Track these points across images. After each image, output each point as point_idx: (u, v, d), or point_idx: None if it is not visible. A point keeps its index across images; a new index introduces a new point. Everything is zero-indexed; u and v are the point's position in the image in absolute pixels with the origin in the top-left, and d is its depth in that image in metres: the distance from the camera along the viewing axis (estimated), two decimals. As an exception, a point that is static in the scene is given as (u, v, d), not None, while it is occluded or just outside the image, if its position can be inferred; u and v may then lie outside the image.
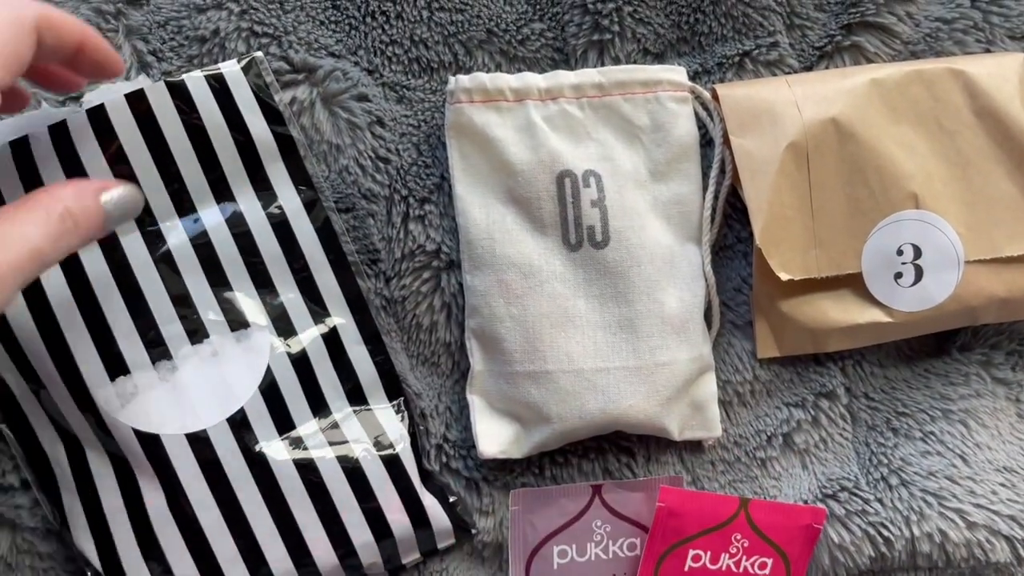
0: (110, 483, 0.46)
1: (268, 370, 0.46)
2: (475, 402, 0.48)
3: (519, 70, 0.49)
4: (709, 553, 0.47)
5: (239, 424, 0.45)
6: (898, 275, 0.48)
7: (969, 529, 0.47)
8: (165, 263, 0.45)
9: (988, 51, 0.50)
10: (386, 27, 0.49)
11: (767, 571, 0.47)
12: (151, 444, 0.44)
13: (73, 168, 0.44)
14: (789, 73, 0.50)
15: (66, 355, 0.44)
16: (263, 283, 0.47)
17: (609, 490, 0.49)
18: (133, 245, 0.45)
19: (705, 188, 0.49)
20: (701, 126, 0.49)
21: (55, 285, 0.44)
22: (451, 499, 0.49)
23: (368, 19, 0.49)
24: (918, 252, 0.47)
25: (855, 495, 0.48)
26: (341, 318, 0.48)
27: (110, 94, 0.45)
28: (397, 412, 0.48)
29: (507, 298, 0.47)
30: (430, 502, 0.48)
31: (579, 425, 0.46)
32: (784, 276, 0.47)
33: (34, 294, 0.44)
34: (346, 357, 0.48)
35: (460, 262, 0.48)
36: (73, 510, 0.46)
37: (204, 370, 0.45)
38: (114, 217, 0.39)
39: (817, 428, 0.50)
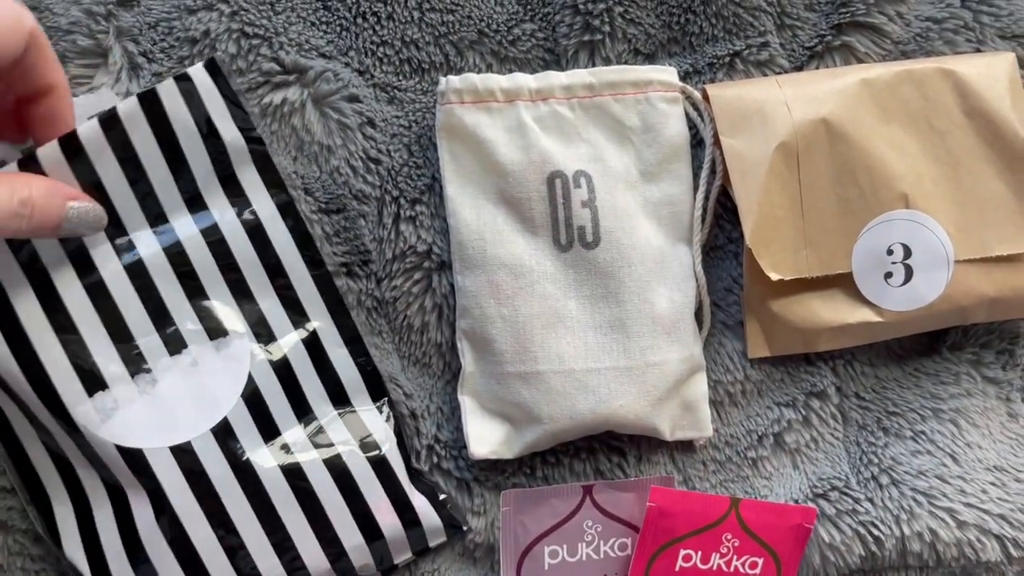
0: (100, 495, 0.45)
1: (250, 378, 0.46)
2: (466, 403, 0.48)
3: (510, 71, 0.49)
4: (700, 553, 0.47)
5: (223, 433, 0.45)
6: (888, 275, 0.48)
7: (959, 528, 0.47)
8: (139, 274, 0.45)
9: (978, 51, 0.50)
10: (377, 28, 0.49)
11: (758, 571, 0.47)
12: (135, 458, 0.44)
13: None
14: (780, 73, 0.50)
15: (41, 375, 0.43)
16: (240, 290, 0.46)
17: (600, 490, 0.49)
18: (104, 258, 0.44)
19: (696, 188, 0.49)
20: (692, 126, 0.49)
21: (25, 302, 0.43)
22: (441, 497, 0.49)
23: (359, 20, 0.49)
24: (908, 252, 0.47)
25: (846, 494, 0.48)
26: (320, 321, 0.48)
27: (85, 109, 0.45)
28: (381, 412, 0.48)
29: (498, 299, 0.47)
30: (419, 501, 0.48)
31: (570, 425, 0.47)
32: (774, 276, 0.47)
33: (5, 313, 0.43)
34: (328, 360, 0.48)
35: (451, 263, 0.48)
36: (65, 521, 0.45)
37: (184, 381, 0.45)
38: (69, 226, 0.40)
39: (808, 428, 0.50)
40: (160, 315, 0.45)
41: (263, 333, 0.47)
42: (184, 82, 0.44)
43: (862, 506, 0.48)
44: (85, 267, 0.44)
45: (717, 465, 0.50)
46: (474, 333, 0.48)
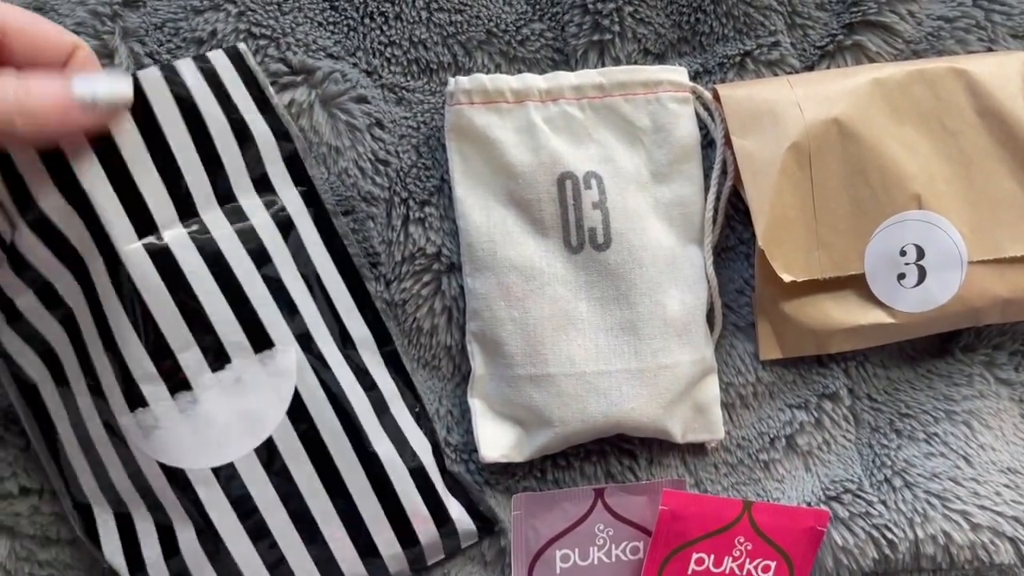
0: (141, 507, 0.45)
1: (296, 393, 0.44)
2: (476, 406, 0.48)
3: (519, 71, 0.49)
4: (712, 556, 0.47)
5: (267, 453, 0.44)
6: (901, 276, 0.47)
7: (973, 531, 0.47)
8: (174, 280, 0.42)
9: (990, 50, 0.50)
10: (385, 28, 0.49)
11: (770, 574, 0.47)
12: (176, 477, 0.43)
13: None
14: (791, 73, 0.50)
15: (94, 379, 0.43)
16: (281, 297, 0.44)
17: (612, 493, 0.48)
18: (137, 260, 0.42)
19: (707, 189, 0.48)
20: (702, 127, 0.49)
21: (79, 308, 0.42)
22: (474, 501, 0.48)
23: (367, 20, 0.49)
24: (921, 253, 0.47)
25: (859, 497, 0.48)
26: (360, 330, 0.47)
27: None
28: (418, 420, 0.48)
29: (508, 301, 0.47)
30: (456, 509, 0.47)
31: (581, 428, 0.46)
32: (787, 277, 0.47)
33: (68, 320, 0.42)
34: (368, 374, 0.46)
35: (461, 265, 0.48)
36: (107, 524, 0.45)
37: (227, 399, 0.42)
38: (83, 102, 0.37)
39: (820, 430, 0.50)
40: (200, 326, 0.42)
41: (306, 344, 0.44)
42: (203, 66, 0.44)
43: (875, 509, 0.48)
44: (116, 272, 0.41)
45: (729, 468, 0.50)
46: (484, 336, 0.47)
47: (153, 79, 0.43)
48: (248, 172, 0.45)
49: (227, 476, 0.43)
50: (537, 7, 0.49)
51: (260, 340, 0.43)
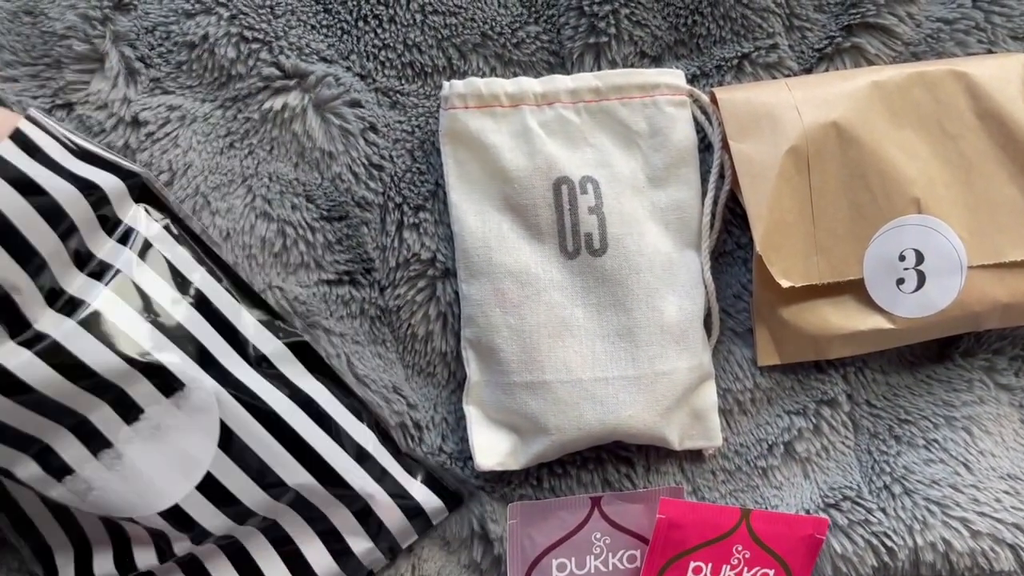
0: (102, 537, 0.45)
1: (222, 425, 0.43)
2: (472, 413, 0.48)
3: (514, 74, 0.49)
4: (710, 565, 0.46)
5: (211, 488, 0.43)
6: (900, 281, 0.47)
7: (973, 538, 0.46)
8: (57, 358, 0.40)
9: (990, 52, 0.50)
10: (379, 31, 0.48)
11: (769, 582, 0.47)
12: (125, 522, 0.43)
13: None
14: (789, 76, 0.49)
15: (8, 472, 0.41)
16: (179, 338, 0.42)
17: (608, 502, 0.48)
18: (17, 359, 0.39)
19: (704, 193, 0.48)
20: (700, 130, 0.48)
21: None
22: (437, 477, 0.48)
23: (360, 23, 0.48)
24: (920, 257, 0.47)
25: (858, 504, 0.48)
26: (269, 344, 0.45)
27: None
28: (356, 415, 0.47)
29: (504, 307, 0.46)
30: (419, 490, 0.47)
31: (578, 436, 0.46)
32: (785, 283, 0.46)
33: None
34: (294, 385, 0.46)
35: (456, 271, 0.48)
36: (65, 569, 0.45)
37: (152, 447, 0.42)
38: None
39: (819, 436, 0.50)
40: (99, 385, 0.41)
41: (221, 376, 0.43)
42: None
43: (874, 516, 0.47)
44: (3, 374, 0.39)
45: (727, 475, 0.50)
46: (479, 342, 0.47)
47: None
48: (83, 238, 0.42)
49: (175, 515, 0.43)
50: (533, 10, 0.49)
51: (167, 384, 0.42)
